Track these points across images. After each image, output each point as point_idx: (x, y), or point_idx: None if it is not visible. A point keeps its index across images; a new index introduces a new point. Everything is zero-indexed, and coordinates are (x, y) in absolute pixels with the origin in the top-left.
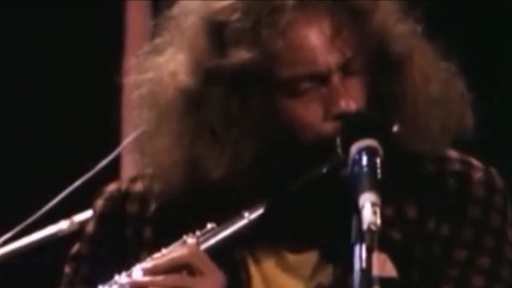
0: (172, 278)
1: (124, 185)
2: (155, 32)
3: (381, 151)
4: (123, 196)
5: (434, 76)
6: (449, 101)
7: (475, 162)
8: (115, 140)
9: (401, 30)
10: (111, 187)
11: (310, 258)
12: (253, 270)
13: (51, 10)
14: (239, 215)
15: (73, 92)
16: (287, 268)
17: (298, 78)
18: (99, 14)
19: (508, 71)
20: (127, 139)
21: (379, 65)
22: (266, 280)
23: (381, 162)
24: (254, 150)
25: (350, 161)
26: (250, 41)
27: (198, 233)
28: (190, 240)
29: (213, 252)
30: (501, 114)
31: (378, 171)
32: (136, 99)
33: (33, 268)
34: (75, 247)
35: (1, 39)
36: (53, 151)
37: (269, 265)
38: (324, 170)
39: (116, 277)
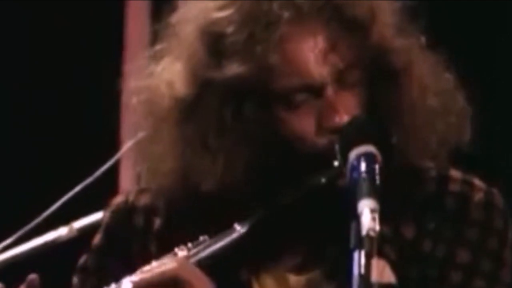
0: None
1: (131, 197)
2: (154, 38)
3: (380, 157)
4: (130, 209)
5: (434, 88)
6: (448, 113)
7: (477, 182)
8: (114, 146)
9: (399, 43)
10: (118, 199)
11: (310, 278)
12: None
13: (51, 14)
14: (231, 228)
15: (72, 97)
16: None
17: (292, 89)
18: (98, 18)
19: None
20: (126, 145)
21: (376, 79)
22: None
23: (380, 168)
24: (246, 161)
25: (348, 167)
26: (245, 55)
27: (189, 245)
28: (181, 252)
29: (204, 264)
30: (499, 125)
31: (377, 177)
32: (134, 106)
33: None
34: (82, 258)
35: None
36: (52, 157)
37: (271, 286)
38: (323, 180)
39: None
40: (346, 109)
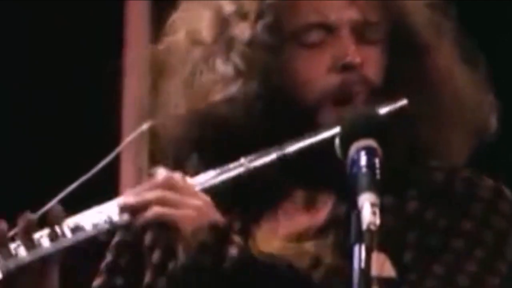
0: (160, 191)
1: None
2: (154, 38)
3: (380, 151)
4: (142, 227)
5: (459, 70)
6: (476, 99)
7: (485, 176)
8: (114, 140)
9: (427, 16)
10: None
11: (308, 247)
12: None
13: (51, 14)
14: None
15: (72, 97)
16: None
17: (307, 27)
18: (98, 18)
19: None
20: (127, 139)
21: (399, 44)
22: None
23: (380, 162)
24: (257, 87)
25: (349, 161)
26: None
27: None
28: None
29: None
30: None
31: (377, 171)
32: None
33: None
34: (98, 280)
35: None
36: (52, 151)
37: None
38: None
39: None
40: (365, 60)
